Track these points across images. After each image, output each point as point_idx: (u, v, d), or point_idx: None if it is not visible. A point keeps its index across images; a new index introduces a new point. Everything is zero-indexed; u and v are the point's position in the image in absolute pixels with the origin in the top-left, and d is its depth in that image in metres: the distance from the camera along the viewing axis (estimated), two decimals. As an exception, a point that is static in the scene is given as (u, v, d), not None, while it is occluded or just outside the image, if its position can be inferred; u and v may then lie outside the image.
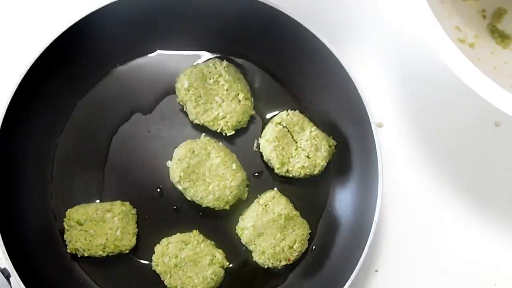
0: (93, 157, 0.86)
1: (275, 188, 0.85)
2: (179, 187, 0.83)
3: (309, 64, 0.87)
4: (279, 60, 0.88)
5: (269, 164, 0.85)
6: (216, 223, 0.85)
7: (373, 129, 0.82)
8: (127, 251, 0.82)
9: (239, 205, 0.84)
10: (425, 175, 0.90)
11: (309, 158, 0.84)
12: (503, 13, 0.85)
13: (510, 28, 0.84)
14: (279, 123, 0.85)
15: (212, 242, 0.84)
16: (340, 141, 0.86)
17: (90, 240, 0.81)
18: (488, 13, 0.85)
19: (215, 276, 0.81)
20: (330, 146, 0.85)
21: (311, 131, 0.85)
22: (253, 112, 0.87)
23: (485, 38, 0.83)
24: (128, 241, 0.82)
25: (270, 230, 0.82)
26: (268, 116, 0.88)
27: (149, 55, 0.89)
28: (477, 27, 0.83)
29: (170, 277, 0.81)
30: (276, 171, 0.85)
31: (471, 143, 0.91)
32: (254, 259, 0.83)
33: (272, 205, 0.83)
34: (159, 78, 0.88)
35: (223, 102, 0.85)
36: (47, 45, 0.82)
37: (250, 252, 0.83)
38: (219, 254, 0.82)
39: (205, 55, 0.89)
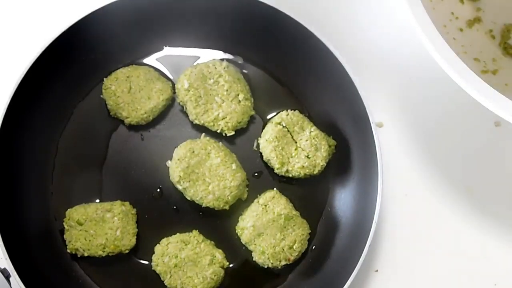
0: (93, 157, 0.86)
1: (275, 188, 0.85)
2: (179, 187, 0.83)
3: (309, 64, 0.87)
4: (279, 60, 0.89)
5: (269, 164, 0.85)
6: (216, 223, 0.85)
7: (373, 129, 0.82)
8: (127, 251, 0.82)
9: (239, 205, 0.84)
10: (425, 175, 0.90)
11: (309, 158, 0.84)
12: (511, 28, 0.85)
13: (521, 42, 0.86)
14: (279, 123, 0.85)
15: (212, 242, 0.84)
16: (340, 141, 0.86)
17: (90, 240, 0.81)
18: (496, 32, 0.86)
19: (215, 276, 0.81)
20: (330, 146, 0.85)
21: (310, 131, 0.85)
22: (253, 113, 0.87)
23: (502, 58, 0.84)
24: (128, 241, 0.82)
25: (270, 230, 0.82)
26: (268, 116, 0.88)
27: (149, 55, 0.89)
28: (491, 50, 0.84)
29: (170, 277, 0.81)
30: (276, 171, 0.85)
31: (471, 143, 0.91)
32: (254, 259, 0.83)
33: (272, 205, 0.83)
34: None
35: (223, 103, 0.85)
36: (48, 44, 0.82)
37: (250, 252, 0.83)
38: (219, 254, 0.82)
39: (205, 55, 0.90)
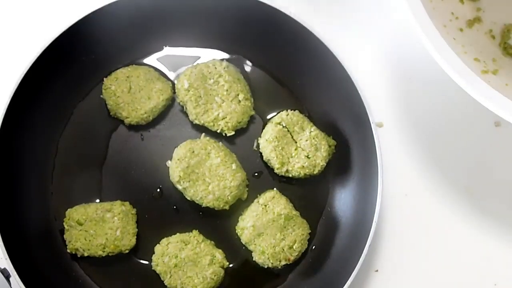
0: (93, 157, 0.86)
1: (275, 188, 0.85)
2: (179, 187, 0.83)
3: (309, 64, 0.87)
4: (279, 60, 0.89)
5: (269, 164, 0.85)
6: (216, 223, 0.85)
7: (373, 129, 0.82)
8: (127, 251, 0.82)
9: (239, 205, 0.84)
10: (425, 175, 0.90)
11: (309, 158, 0.84)
12: (511, 28, 0.85)
13: (521, 42, 0.86)
14: (279, 123, 0.85)
15: (212, 242, 0.84)
16: (340, 141, 0.86)
17: (90, 240, 0.81)
18: (496, 32, 0.86)
19: (215, 276, 0.81)
20: (330, 146, 0.85)
21: (310, 131, 0.85)
22: (253, 113, 0.87)
23: (502, 58, 0.84)
24: (128, 241, 0.82)
25: (270, 230, 0.82)
26: (268, 116, 0.88)
27: (149, 55, 0.89)
28: (491, 50, 0.83)
29: (170, 277, 0.81)
30: (276, 171, 0.85)
31: (471, 143, 0.91)
32: (254, 259, 0.83)
33: (272, 205, 0.83)
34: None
35: (223, 103, 0.85)
36: (48, 44, 0.82)
37: (250, 252, 0.83)
38: (219, 254, 0.82)
39: (205, 55, 0.90)
